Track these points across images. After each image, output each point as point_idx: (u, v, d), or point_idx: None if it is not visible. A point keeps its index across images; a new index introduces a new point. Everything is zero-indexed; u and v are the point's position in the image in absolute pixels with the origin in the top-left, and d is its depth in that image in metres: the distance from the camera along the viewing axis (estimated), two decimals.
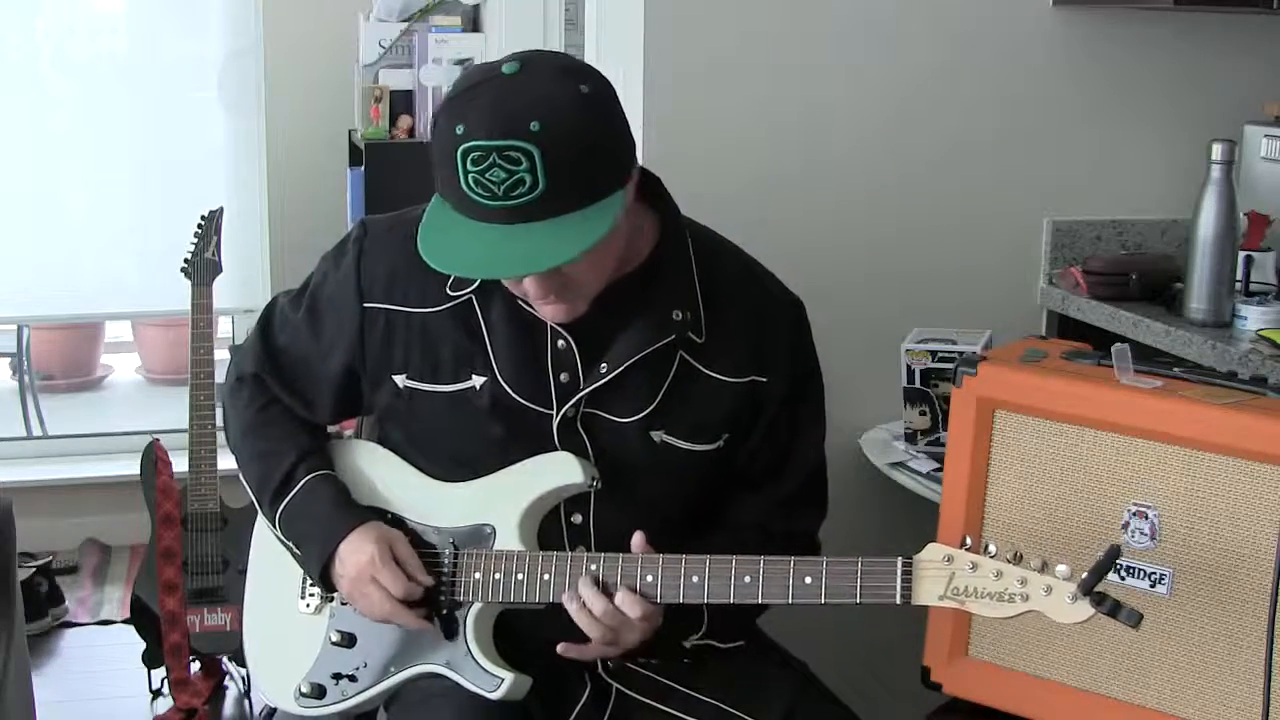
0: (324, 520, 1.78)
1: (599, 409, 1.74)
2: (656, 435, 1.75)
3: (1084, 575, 1.52)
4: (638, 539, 1.69)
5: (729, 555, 1.65)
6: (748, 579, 1.64)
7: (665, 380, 1.74)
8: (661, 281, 1.74)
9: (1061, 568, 1.55)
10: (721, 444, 1.78)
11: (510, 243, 1.56)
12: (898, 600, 1.59)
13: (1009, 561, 1.56)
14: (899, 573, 1.59)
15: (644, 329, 1.71)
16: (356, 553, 1.75)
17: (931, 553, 1.59)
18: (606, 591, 1.67)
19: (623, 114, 1.64)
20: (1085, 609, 1.53)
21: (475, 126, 1.53)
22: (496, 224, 1.56)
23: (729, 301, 1.78)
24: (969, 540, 1.59)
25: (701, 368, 1.75)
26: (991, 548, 1.58)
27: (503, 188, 1.54)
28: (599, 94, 1.59)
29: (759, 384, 1.77)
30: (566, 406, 1.73)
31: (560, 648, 1.71)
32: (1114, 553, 1.53)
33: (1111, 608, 1.52)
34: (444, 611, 1.76)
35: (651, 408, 1.74)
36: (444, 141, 1.56)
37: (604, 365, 1.72)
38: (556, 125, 1.52)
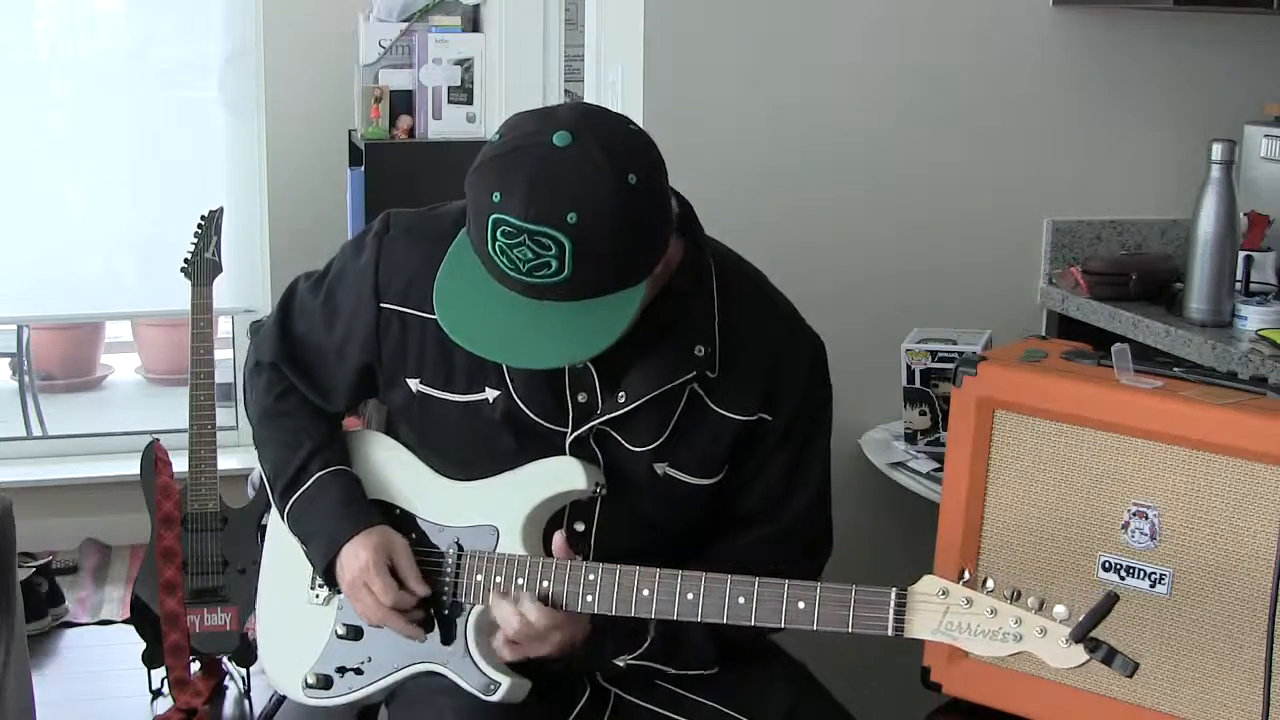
0: (330, 520, 1.79)
1: (612, 430, 1.73)
2: (660, 468, 1.74)
3: (1079, 620, 1.49)
4: (558, 541, 1.69)
5: (724, 575, 1.63)
6: (741, 600, 1.62)
7: (675, 414, 1.72)
8: (684, 310, 1.71)
9: (1059, 609, 1.50)
10: (722, 477, 1.77)
11: (522, 320, 1.55)
12: (889, 633, 1.56)
13: (1006, 599, 1.52)
14: (892, 605, 1.55)
15: (665, 362, 1.69)
16: (354, 558, 1.75)
17: (927, 585, 1.55)
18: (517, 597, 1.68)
19: (667, 200, 1.60)
20: (1079, 654, 1.49)
21: (511, 201, 1.50)
22: (514, 292, 1.55)
23: (747, 338, 1.74)
24: (967, 573, 1.56)
25: (711, 404, 1.73)
26: (990, 583, 1.54)
27: (527, 266, 1.51)
28: (645, 185, 1.53)
29: (764, 420, 1.75)
30: (581, 430, 1.72)
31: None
32: (1111, 600, 1.49)
33: (1106, 655, 1.48)
34: (445, 613, 1.76)
35: (659, 442, 1.72)
36: (478, 202, 1.53)
37: (622, 395, 1.70)
38: (594, 220, 1.49)
